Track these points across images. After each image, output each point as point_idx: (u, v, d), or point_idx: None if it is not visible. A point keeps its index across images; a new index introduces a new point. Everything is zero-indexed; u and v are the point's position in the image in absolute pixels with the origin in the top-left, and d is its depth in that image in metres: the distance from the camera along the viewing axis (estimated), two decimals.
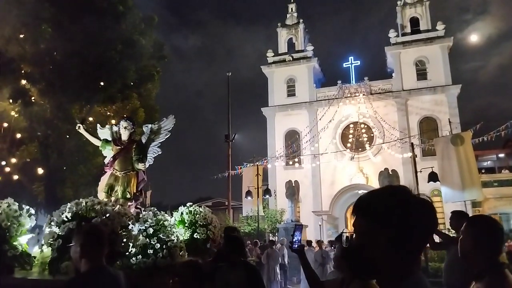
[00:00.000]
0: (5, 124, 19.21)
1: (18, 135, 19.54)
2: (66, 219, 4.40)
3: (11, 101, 17.77)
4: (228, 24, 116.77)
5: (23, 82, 18.03)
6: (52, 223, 4.48)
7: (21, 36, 17.40)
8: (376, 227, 1.23)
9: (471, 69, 72.31)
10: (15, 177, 19.08)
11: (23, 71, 18.02)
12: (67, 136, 18.57)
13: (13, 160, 19.22)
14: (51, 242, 4.33)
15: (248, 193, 21.70)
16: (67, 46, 17.70)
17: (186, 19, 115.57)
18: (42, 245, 4.57)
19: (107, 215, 4.46)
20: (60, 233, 4.33)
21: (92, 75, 18.14)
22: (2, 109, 18.69)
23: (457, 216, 4.81)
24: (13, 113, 19.04)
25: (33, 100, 18.11)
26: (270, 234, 24.73)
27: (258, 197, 21.07)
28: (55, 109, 18.40)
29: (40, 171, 19.31)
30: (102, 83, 19.25)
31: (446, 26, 30.73)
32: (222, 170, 26.37)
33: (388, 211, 1.23)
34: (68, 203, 4.71)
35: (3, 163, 18.86)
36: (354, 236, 1.34)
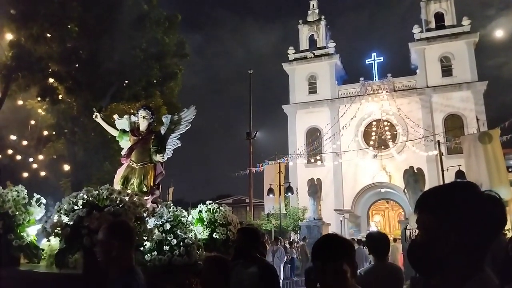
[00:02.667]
0: (33, 122, 19.77)
1: (45, 132, 20.08)
2: (76, 207, 4.05)
3: (39, 99, 18.22)
4: (247, 21, 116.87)
5: (51, 80, 18.43)
6: (61, 211, 4.12)
7: (49, 35, 17.79)
8: (444, 223, 1.21)
9: (495, 65, 70.25)
10: (42, 173, 19.62)
11: (50, 70, 18.41)
12: (93, 134, 18.95)
13: (40, 157, 19.76)
14: (59, 231, 3.95)
15: (270, 190, 21.74)
16: (93, 44, 18.05)
17: (204, 17, 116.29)
18: (49, 234, 4.18)
19: (121, 204, 4.13)
20: (68, 222, 3.95)
21: (117, 73, 18.44)
22: (30, 107, 19.24)
23: None
24: (40, 110, 19.56)
25: (60, 98, 18.51)
26: (292, 232, 24.68)
27: (280, 194, 21.11)
28: (82, 106, 18.75)
29: (66, 167, 19.79)
30: (126, 81, 19.55)
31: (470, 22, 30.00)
32: (243, 168, 26.50)
33: (458, 206, 1.21)
34: (79, 191, 4.38)
35: (31, 159, 19.42)
36: (418, 232, 1.32)
